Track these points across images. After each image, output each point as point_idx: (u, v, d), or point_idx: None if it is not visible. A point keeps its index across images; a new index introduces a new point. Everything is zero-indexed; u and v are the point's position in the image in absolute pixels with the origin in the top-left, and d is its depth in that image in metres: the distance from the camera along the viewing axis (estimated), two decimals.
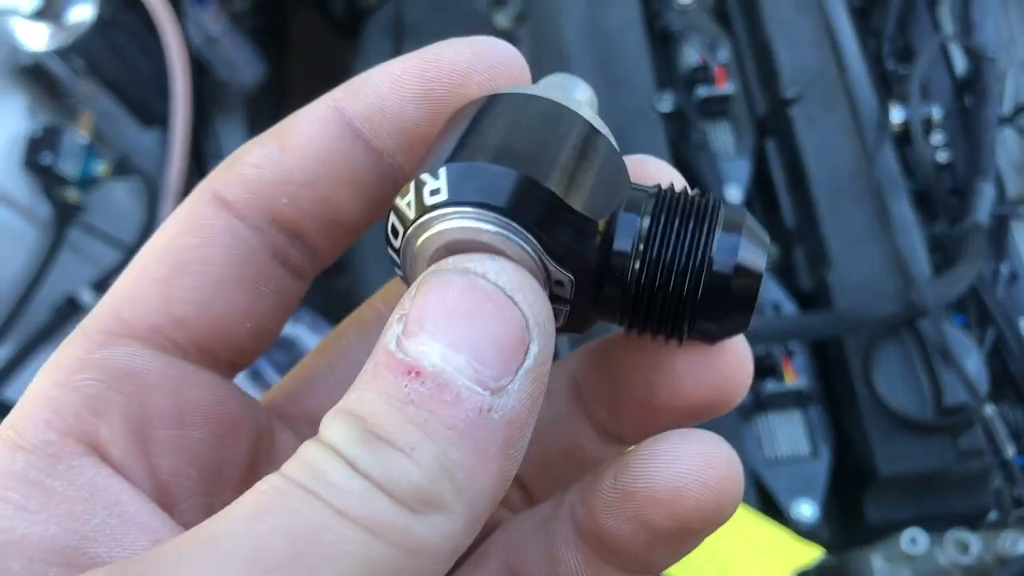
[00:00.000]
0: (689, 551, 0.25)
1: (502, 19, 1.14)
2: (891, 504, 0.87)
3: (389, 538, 0.21)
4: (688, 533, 0.24)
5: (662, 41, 1.07)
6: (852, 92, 1.01)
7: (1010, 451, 0.87)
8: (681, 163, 0.99)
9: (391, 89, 0.27)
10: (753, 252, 0.26)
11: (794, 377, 0.91)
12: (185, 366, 0.27)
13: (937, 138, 1.07)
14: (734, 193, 1.00)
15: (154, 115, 1.21)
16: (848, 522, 0.90)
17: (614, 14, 1.04)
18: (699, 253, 0.25)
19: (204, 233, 0.26)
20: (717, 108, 1.03)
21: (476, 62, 0.27)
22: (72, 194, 1.11)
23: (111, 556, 0.23)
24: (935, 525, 0.84)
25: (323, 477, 0.21)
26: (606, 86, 1.00)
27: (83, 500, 0.24)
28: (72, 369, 0.25)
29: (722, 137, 1.04)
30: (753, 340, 0.91)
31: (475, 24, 1.19)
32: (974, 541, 0.82)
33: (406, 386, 0.21)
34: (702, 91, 1.02)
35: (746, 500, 0.84)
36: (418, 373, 0.21)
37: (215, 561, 0.20)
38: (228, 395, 0.28)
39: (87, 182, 1.12)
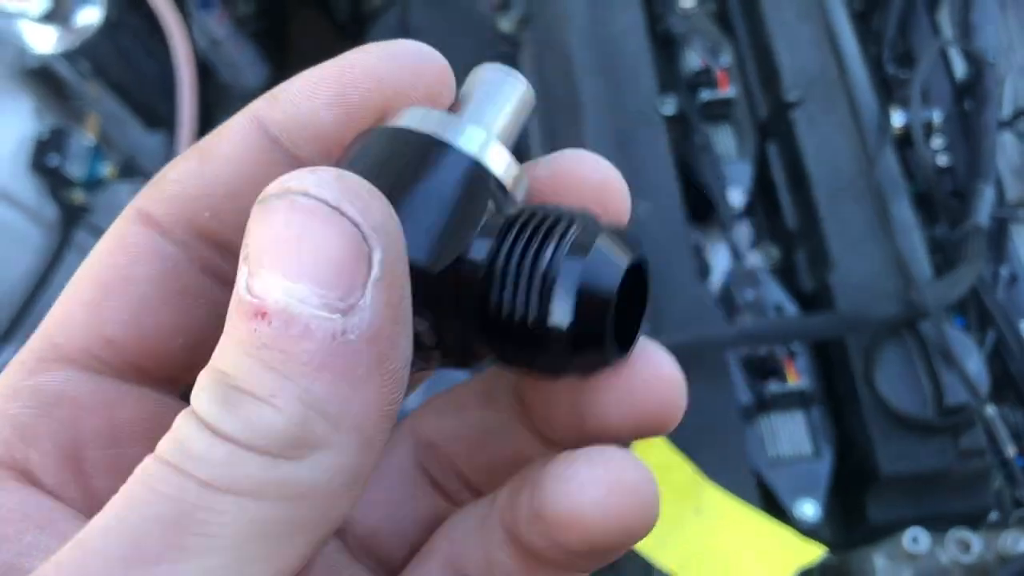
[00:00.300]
0: (611, 561, 0.25)
1: (506, 23, 1.15)
2: (893, 504, 0.88)
3: (269, 495, 0.20)
4: (599, 553, 0.24)
5: (664, 45, 1.08)
6: (853, 95, 1.02)
7: (1011, 451, 0.88)
8: (684, 166, 1.00)
9: (306, 96, 0.27)
10: (598, 284, 0.23)
11: (796, 378, 0.92)
12: (119, 385, 0.27)
13: (937, 142, 1.08)
14: (736, 195, 1.01)
15: (159, 117, 1.22)
16: (850, 521, 0.91)
17: (617, 18, 1.05)
18: (534, 287, 0.23)
19: (129, 252, 0.26)
20: (719, 111, 1.04)
21: (391, 66, 0.26)
22: (78, 196, 1.11)
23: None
24: (936, 525, 0.85)
25: (186, 448, 0.20)
26: (609, 89, 1.01)
27: (14, 521, 0.24)
28: (4, 398, 0.25)
29: (724, 140, 1.05)
30: (756, 341, 0.92)
31: (479, 28, 1.20)
32: (975, 540, 0.82)
33: (255, 329, 0.21)
34: (704, 95, 1.03)
35: (748, 499, 0.85)
36: (264, 314, 0.21)
37: (90, 566, 0.19)
38: (167, 410, 0.27)
39: (93, 184, 1.13)
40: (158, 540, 0.19)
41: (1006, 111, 1.12)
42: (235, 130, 0.27)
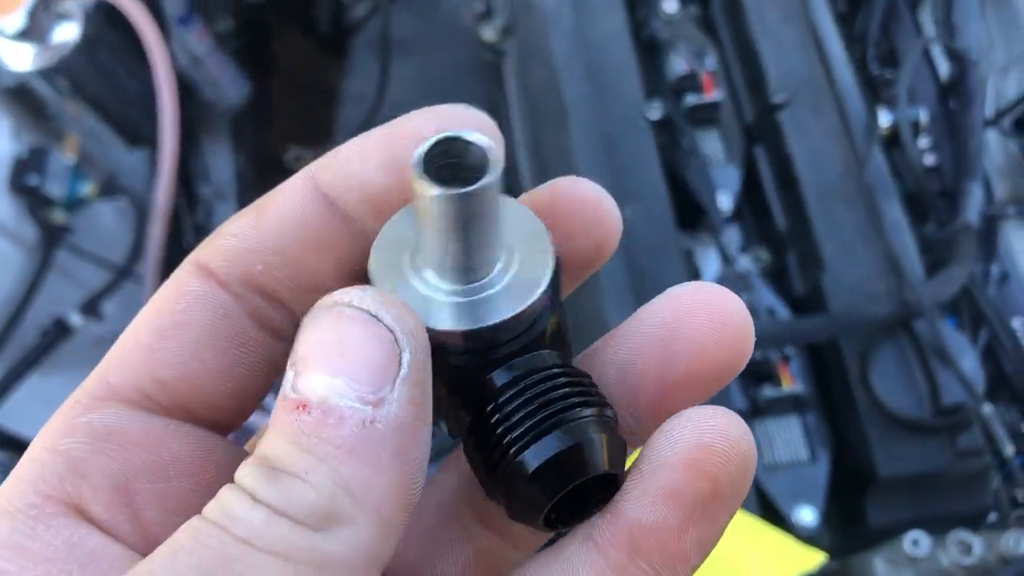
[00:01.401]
0: (716, 535, 0.26)
1: (489, 32, 1.14)
2: (892, 506, 0.87)
3: (298, 558, 0.22)
4: (717, 497, 0.25)
5: (649, 50, 1.08)
6: (839, 96, 1.02)
7: (1009, 450, 0.87)
8: (672, 171, 0.99)
9: (357, 159, 0.29)
10: (561, 467, 0.25)
11: (791, 382, 0.91)
12: (168, 423, 0.28)
13: (923, 141, 1.08)
14: (725, 199, 1.00)
15: (140, 135, 1.21)
16: (849, 526, 0.90)
17: (601, 25, 1.05)
18: (535, 423, 0.26)
19: (185, 300, 0.29)
20: (706, 115, 1.04)
21: (438, 129, 0.27)
22: (59, 215, 1.10)
23: None
24: (936, 526, 0.84)
25: (229, 511, 0.23)
26: (594, 95, 1.00)
27: (60, 559, 0.25)
28: (59, 434, 0.27)
29: (711, 144, 1.04)
30: None
31: (462, 37, 1.20)
32: (977, 542, 0.81)
33: (297, 419, 0.23)
34: (690, 99, 1.03)
35: (746, 507, 0.84)
36: (305, 406, 0.23)
37: None
38: (214, 447, 0.29)
39: (74, 203, 1.12)
40: None
41: (989, 110, 1.12)
42: (292, 190, 0.29)
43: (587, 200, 0.30)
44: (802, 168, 0.97)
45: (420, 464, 0.24)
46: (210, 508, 0.23)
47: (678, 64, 1.04)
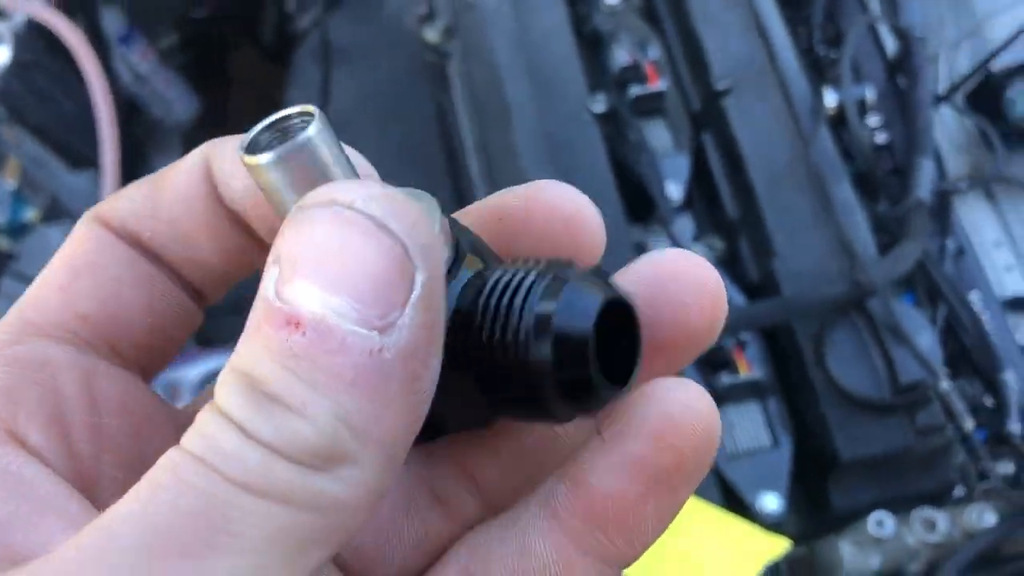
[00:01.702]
0: (676, 509, 0.25)
1: (431, 34, 1.13)
2: (855, 488, 0.86)
3: (297, 502, 0.20)
4: (680, 471, 0.25)
5: (591, 43, 1.07)
6: (784, 80, 1.01)
7: (970, 424, 0.86)
8: (619, 163, 0.98)
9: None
10: (572, 324, 0.23)
11: (748, 368, 0.90)
12: (95, 360, 0.27)
13: (873, 120, 1.07)
14: (674, 189, 0.99)
15: (83, 157, 1.19)
16: (814, 511, 0.89)
17: (542, 21, 1.04)
18: (517, 339, 0.24)
19: (95, 243, 0.28)
20: (651, 106, 1.03)
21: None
22: (2, 242, 1.08)
23: (27, 542, 0.23)
24: (902, 505, 0.83)
25: (217, 446, 0.20)
26: (538, 92, 0.99)
27: None
28: None
29: (659, 135, 1.03)
30: None
31: (405, 40, 1.18)
32: (941, 518, 0.81)
33: (287, 339, 0.20)
34: (635, 90, 1.02)
35: (709, 496, 0.83)
36: (298, 323, 0.20)
37: (113, 554, 0.19)
38: (142, 391, 0.28)
39: (17, 229, 1.10)
40: (186, 534, 0.19)
41: (942, 86, 1.12)
42: (186, 166, 0.28)
43: (559, 208, 0.29)
44: (749, 153, 0.97)
45: (429, 393, 0.22)
46: (191, 439, 0.21)
47: (620, 56, 1.03)
